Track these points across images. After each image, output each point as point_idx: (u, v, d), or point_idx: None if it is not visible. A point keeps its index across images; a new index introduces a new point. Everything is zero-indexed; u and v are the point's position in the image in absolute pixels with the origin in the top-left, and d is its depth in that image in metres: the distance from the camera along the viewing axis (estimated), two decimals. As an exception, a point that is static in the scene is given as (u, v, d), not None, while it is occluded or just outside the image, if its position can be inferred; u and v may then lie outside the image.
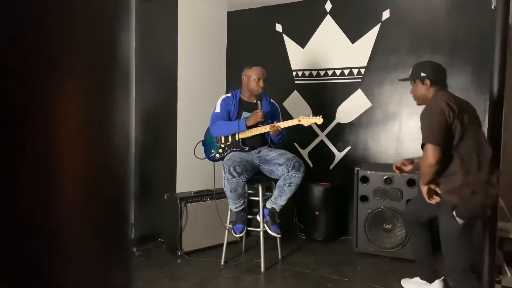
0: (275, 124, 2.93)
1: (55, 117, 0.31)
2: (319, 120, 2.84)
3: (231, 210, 3.11)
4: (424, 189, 2.29)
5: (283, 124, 2.95)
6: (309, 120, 2.87)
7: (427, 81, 2.36)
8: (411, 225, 2.62)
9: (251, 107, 3.12)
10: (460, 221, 2.17)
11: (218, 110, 3.10)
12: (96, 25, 0.34)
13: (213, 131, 3.09)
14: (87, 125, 0.33)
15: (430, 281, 2.60)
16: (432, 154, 2.17)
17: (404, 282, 2.75)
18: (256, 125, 3.03)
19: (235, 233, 3.04)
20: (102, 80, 0.35)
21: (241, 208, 3.02)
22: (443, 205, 2.25)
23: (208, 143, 3.23)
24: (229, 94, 3.19)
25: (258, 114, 2.97)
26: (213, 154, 3.17)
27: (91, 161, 0.34)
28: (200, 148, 3.26)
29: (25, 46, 0.29)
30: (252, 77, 3.10)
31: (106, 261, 0.36)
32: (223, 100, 3.14)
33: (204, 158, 3.24)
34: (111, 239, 0.37)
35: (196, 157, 3.23)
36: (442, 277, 2.59)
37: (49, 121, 0.30)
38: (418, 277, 2.68)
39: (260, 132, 3.03)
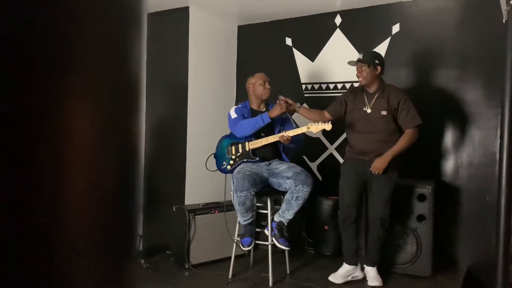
0: (284, 134, 2.92)
1: (64, 135, 0.31)
2: (328, 126, 2.83)
3: (239, 223, 3.10)
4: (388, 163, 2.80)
5: (293, 132, 2.93)
6: (318, 126, 2.86)
7: (379, 68, 2.89)
8: (348, 221, 2.98)
9: None
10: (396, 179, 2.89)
11: (234, 115, 3.11)
12: (106, 43, 0.34)
13: (238, 132, 3.08)
14: (95, 142, 0.34)
15: (357, 263, 3.07)
16: (417, 132, 2.86)
17: (332, 277, 3.00)
18: (271, 130, 3.03)
19: (243, 246, 3.02)
20: (111, 99, 0.35)
21: (249, 221, 3.00)
22: (390, 170, 2.84)
23: (219, 156, 3.24)
24: (240, 105, 3.21)
25: (282, 105, 2.95)
26: (224, 166, 3.17)
27: (98, 178, 0.34)
28: (212, 161, 3.26)
29: (34, 67, 0.30)
30: (258, 82, 3.13)
31: (110, 273, 0.36)
32: (236, 108, 3.16)
33: (216, 170, 3.24)
34: (117, 251, 0.37)
35: (208, 169, 3.22)
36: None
37: (58, 139, 0.31)
38: (345, 265, 3.02)
39: (270, 142, 3.01)
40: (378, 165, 2.81)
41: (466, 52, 3.38)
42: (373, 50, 3.11)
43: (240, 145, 3.11)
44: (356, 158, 2.96)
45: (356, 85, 3.88)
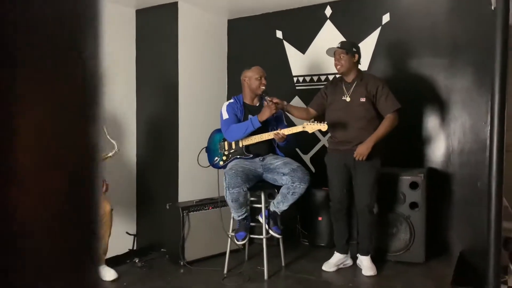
0: (279, 132, 2.89)
1: (10, 144, 0.30)
2: (324, 126, 2.82)
3: (233, 218, 3.09)
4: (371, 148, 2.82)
5: (288, 131, 2.91)
6: (313, 126, 2.84)
7: (356, 56, 2.96)
8: (340, 212, 3.05)
9: (256, 110, 3.08)
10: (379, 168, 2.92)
11: (226, 116, 3.05)
12: (53, 45, 0.33)
13: (229, 137, 3.04)
14: (44, 152, 0.32)
15: (348, 252, 3.14)
16: (398, 116, 2.89)
17: (326, 266, 3.07)
18: (265, 128, 2.99)
19: (238, 241, 3.01)
20: (60, 106, 0.33)
21: (243, 216, 2.99)
22: (373, 157, 2.85)
23: (211, 150, 3.20)
24: (232, 100, 3.15)
25: (271, 106, 2.89)
26: (216, 161, 3.14)
27: (48, 188, 0.33)
28: (204, 156, 3.24)
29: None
30: (254, 77, 3.08)
31: (68, 278, 0.35)
32: (228, 105, 3.10)
33: (208, 166, 3.21)
34: (76, 254, 0.36)
35: (200, 165, 3.20)
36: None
37: (9, 148, 0.29)
38: (337, 253, 3.10)
39: (264, 139, 2.99)
40: (362, 151, 2.84)
41: (457, 40, 3.37)
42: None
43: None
44: (338, 149, 3.00)
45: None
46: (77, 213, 0.35)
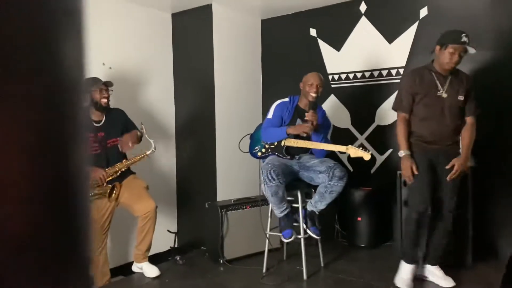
0: (313, 124, 2.88)
1: None
2: (367, 155, 2.76)
3: (270, 217, 3.10)
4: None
5: (332, 147, 2.94)
6: (357, 152, 2.80)
7: None
8: (426, 218, 2.62)
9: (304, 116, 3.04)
10: None
11: (270, 116, 3.08)
12: (30, 42, 0.29)
13: (263, 137, 3.10)
14: (29, 148, 0.29)
15: (418, 262, 2.80)
16: None
17: (400, 283, 2.72)
18: (302, 137, 2.99)
19: (285, 239, 2.98)
20: (42, 104, 0.30)
21: (285, 212, 2.97)
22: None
23: (254, 139, 3.26)
24: (286, 99, 3.14)
25: (305, 127, 2.88)
26: (256, 151, 3.19)
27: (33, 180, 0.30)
28: (246, 142, 3.29)
29: None
30: (308, 82, 3.05)
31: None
32: (278, 105, 3.10)
33: (247, 152, 3.26)
34: (58, 253, 0.32)
35: (240, 150, 3.27)
36: None
37: None
38: (410, 266, 2.72)
39: (307, 146, 3.00)
40: (463, 167, 2.60)
41: (501, 31, 3.22)
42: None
43: None
44: (426, 148, 2.66)
45: (384, 72, 3.80)
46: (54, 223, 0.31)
